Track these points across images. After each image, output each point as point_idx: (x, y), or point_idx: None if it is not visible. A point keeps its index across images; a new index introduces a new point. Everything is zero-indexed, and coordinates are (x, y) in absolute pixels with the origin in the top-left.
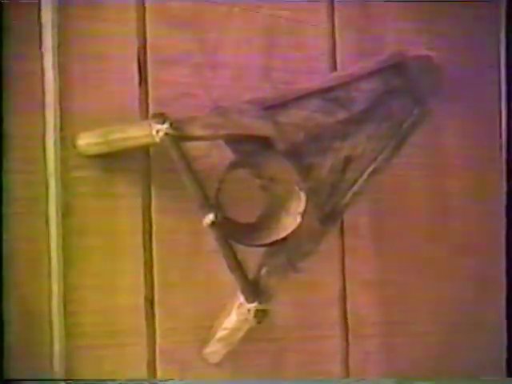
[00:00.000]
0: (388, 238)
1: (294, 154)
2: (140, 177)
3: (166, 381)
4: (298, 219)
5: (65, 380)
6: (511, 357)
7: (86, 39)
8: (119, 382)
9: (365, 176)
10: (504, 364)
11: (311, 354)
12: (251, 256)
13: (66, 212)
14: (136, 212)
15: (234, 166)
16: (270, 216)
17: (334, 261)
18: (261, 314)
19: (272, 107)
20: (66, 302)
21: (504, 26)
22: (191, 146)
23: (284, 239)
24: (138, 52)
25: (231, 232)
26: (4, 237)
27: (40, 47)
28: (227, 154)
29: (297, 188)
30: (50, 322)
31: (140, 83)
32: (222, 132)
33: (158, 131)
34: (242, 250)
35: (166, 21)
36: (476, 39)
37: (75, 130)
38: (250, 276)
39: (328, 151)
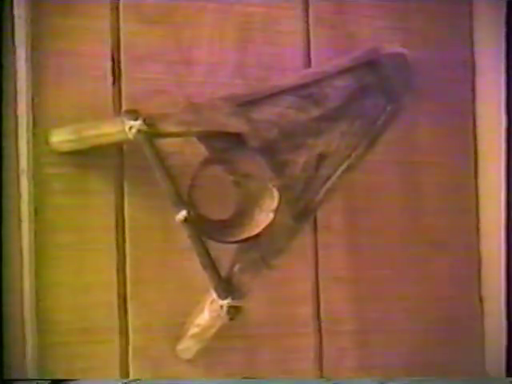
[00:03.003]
0: (361, 234)
1: (268, 150)
2: (113, 173)
3: (135, 380)
4: (271, 216)
5: (65, 380)
6: (511, 357)
7: (59, 35)
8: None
9: (338, 173)
10: (503, 364)
11: (284, 351)
12: (224, 253)
13: (38, 209)
14: (109, 209)
15: (207, 162)
16: (243, 213)
17: (307, 257)
18: (233, 311)
19: (245, 104)
20: (38, 299)
21: (504, 23)
22: (164, 143)
23: (257, 236)
24: (112, 48)
25: (204, 229)
26: None
27: (13, 43)
28: (200, 151)
29: (270, 185)
30: (23, 319)
31: (113, 80)
32: (196, 129)
33: (130, 128)
34: (215, 246)
35: (139, 18)
36: (449, 37)
37: (48, 126)
38: (223, 273)
39: (301, 148)
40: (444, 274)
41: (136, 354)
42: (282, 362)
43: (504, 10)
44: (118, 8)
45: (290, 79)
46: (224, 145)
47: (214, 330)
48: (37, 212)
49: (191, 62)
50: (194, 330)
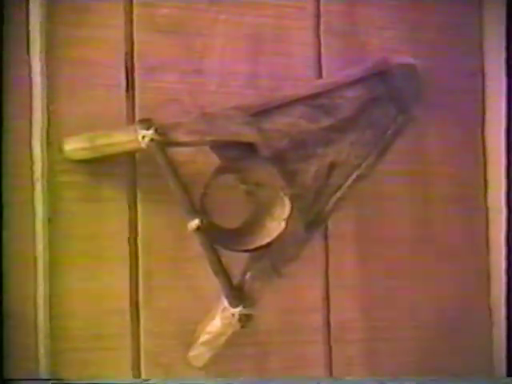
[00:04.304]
0: (372, 243)
1: (279, 159)
2: (126, 182)
3: (146, 380)
4: (283, 225)
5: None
6: (511, 357)
7: (73, 45)
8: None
9: (349, 182)
10: (504, 364)
11: (295, 359)
12: (236, 261)
13: (52, 216)
14: (122, 216)
15: (219, 171)
16: (254, 221)
17: (318, 266)
18: (245, 319)
19: (257, 114)
20: (51, 305)
21: (505, 25)
22: (177, 152)
23: (268, 244)
24: (126, 58)
25: (216, 237)
26: None
27: (28, 52)
28: (213, 160)
29: (281, 193)
30: (36, 326)
31: (127, 89)
32: (208, 138)
33: (143, 137)
34: (226, 254)
35: (153, 27)
36: (459, 47)
37: (62, 135)
38: (235, 281)
39: (312, 157)
40: (454, 281)
41: (148, 360)
42: (292, 370)
43: None
44: (131, 18)
45: (301, 89)
46: (236, 154)
47: (225, 338)
48: (50, 220)
49: (204, 72)
50: (205, 338)
